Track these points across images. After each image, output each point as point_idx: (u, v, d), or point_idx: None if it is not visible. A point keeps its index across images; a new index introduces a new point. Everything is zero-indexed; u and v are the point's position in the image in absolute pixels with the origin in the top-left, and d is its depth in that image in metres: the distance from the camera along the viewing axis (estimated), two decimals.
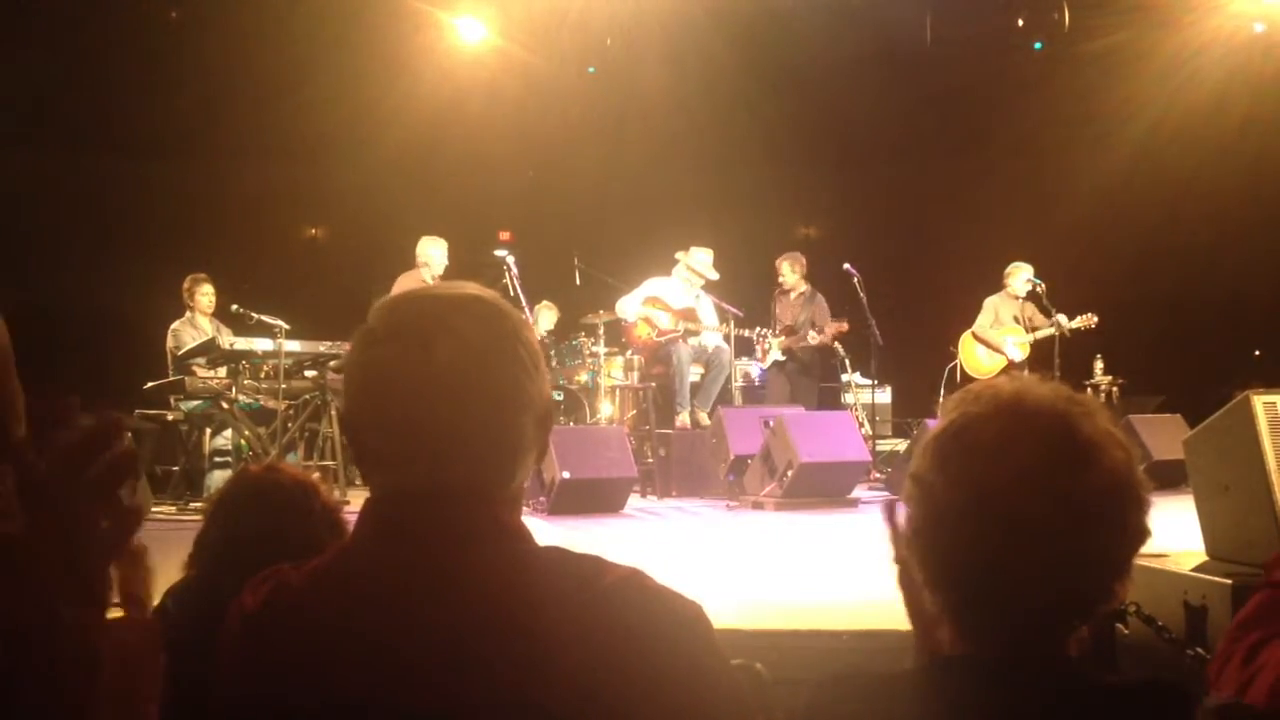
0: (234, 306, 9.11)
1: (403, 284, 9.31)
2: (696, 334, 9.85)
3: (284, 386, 8.54)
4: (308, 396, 8.81)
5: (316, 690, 1.30)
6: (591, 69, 12.00)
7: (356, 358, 1.40)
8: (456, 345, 1.35)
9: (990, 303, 10.69)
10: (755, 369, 11.34)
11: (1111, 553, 1.39)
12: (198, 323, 9.27)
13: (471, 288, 1.48)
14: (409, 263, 9.62)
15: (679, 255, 9.98)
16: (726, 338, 9.93)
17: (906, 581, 1.51)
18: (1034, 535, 1.35)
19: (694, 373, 9.86)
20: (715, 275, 9.98)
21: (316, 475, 2.68)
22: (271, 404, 8.61)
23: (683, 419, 9.52)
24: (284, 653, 1.34)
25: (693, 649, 1.32)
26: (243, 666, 1.37)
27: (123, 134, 12.07)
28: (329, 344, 8.67)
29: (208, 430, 8.73)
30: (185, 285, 9.40)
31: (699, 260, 9.91)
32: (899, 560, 1.52)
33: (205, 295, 9.36)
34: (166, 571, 2.58)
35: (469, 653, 1.27)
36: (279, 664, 1.33)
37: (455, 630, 1.28)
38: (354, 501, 6.66)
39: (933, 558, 1.44)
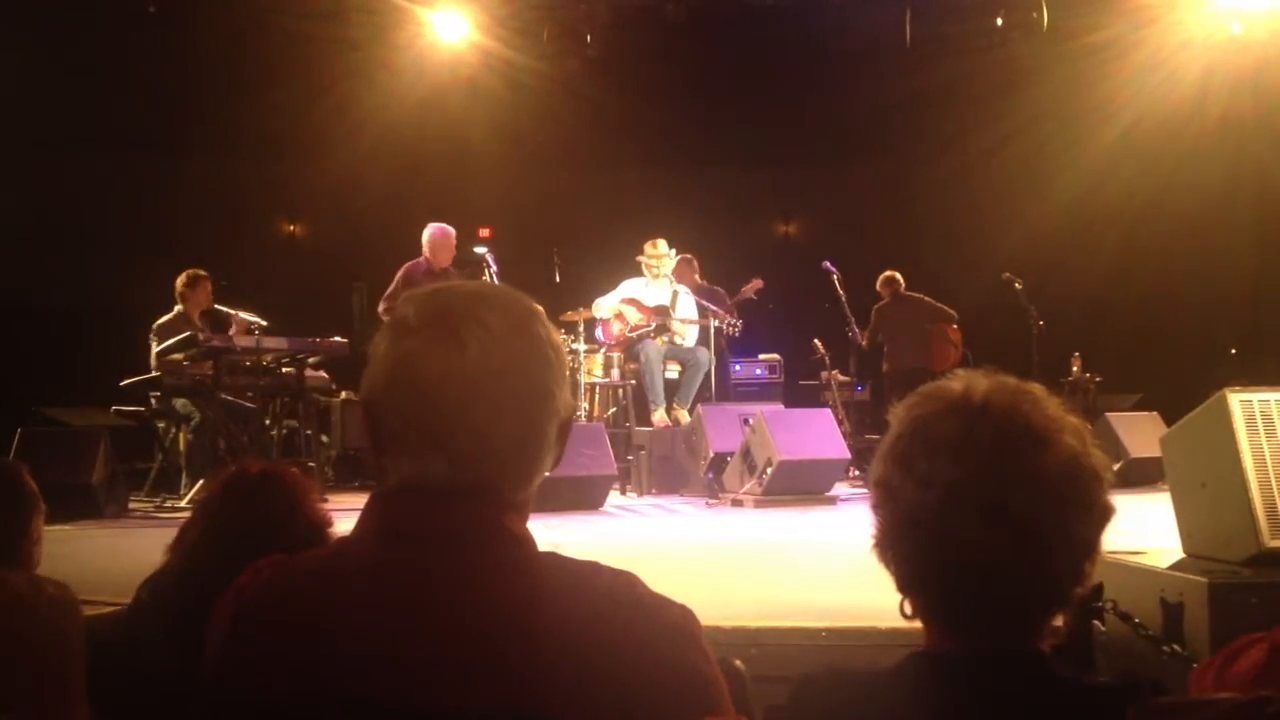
0: (213, 303, 9.05)
1: (405, 271, 9.31)
2: (668, 329, 9.86)
3: (262, 384, 8.51)
4: (288, 396, 8.79)
5: (310, 682, 1.30)
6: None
7: (388, 347, 1.39)
8: (490, 341, 1.36)
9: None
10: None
11: (1079, 532, 1.41)
12: (192, 320, 9.06)
13: (499, 286, 1.49)
14: (394, 259, 9.60)
15: (640, 258, 10.07)
16: (706, 333, 9.93)
17: None
18: (1004, 523, 1.37)
19: (672, 370, 9.87)
20: (671, 257, 10.05)
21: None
22: (249, 401, 8.58)
23: (658, 416, 9.52)
24: (279, 642, 1.33)
25: (686, 650, 1.34)
26: (236, 653, 1.36)
27: (100, 129, 11.99)
28: (307, 340, 8.63)
29: (185, 427, 8.67)
30: (184, 280, 9.05)
31: (651, 251, 10.05)
32: None
33: (207, 293, 9.13)
34: (143, 569, 2.57)
35: (466, 653, 1.28)
36: (273, 653, 1.33)
37: (453, 630, 1.29)
38: (331, 501, 6.65)
39: (907, 561, 1.45)
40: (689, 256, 10.80)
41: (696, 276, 10.72)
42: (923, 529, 1.41)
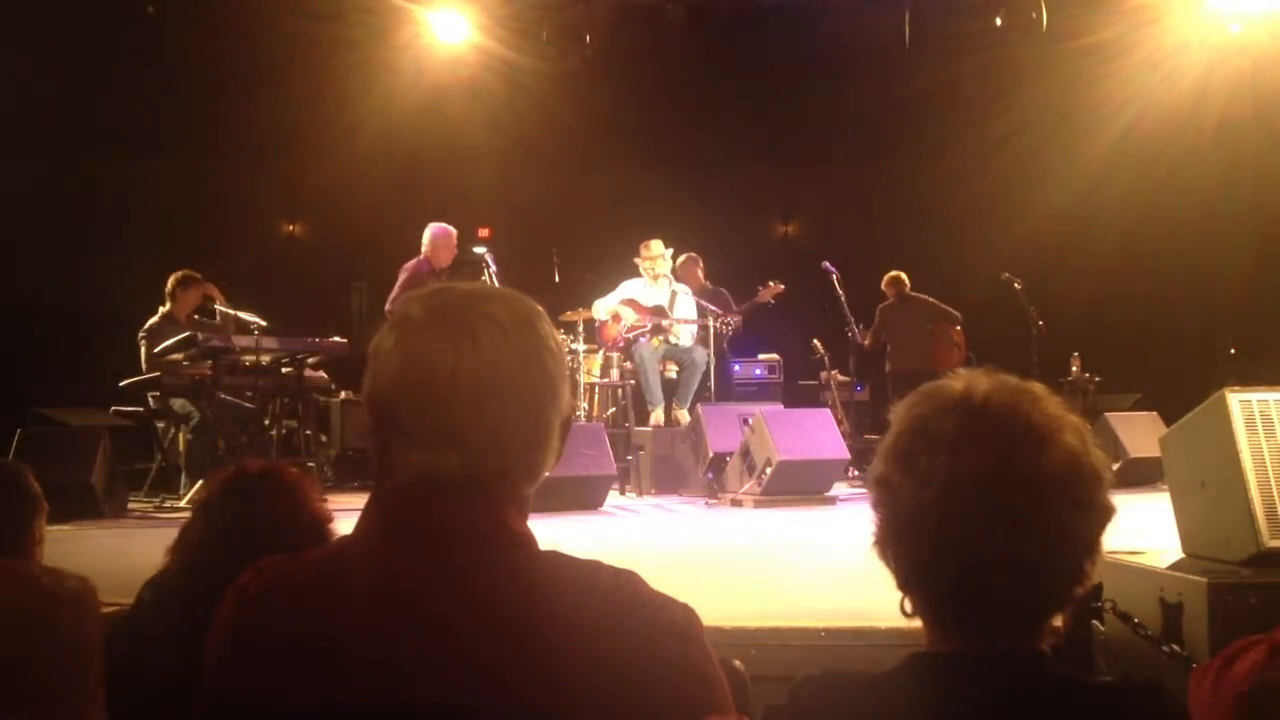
0: (210, 302, 9.02)
1: (410, 272, 9.30)
2: (664, 331, 9.86)
3: (261, 384, 8.50)
4: (287, 397, 8.78)
5: (311, 680, 1.30)
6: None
7: (395, 342, 1.40)
8: (501, 336, 1.38)
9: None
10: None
11: (1079, 531, 1.41)
12: (179, 321, 8.96)
13: (500, 287, 1.52)
14: (394, 258, 9.59)
15: (636, 260, 10.07)
16: (705, 332, 9.93)
17: None
18: (1003, 521, 1.37)
19: (671, 370, 9.88)
20: (666, 258, 10.04)
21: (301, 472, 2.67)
22: (248, 402, 8.57)
23: (656, 416, 9.52)
24: (280, 642, 1.33)
25: (688, 648, 1.34)
26: (237, 654, 1.36)
27: (98, 130, 11.99)
28: (307, 340, 8.62)
29: (184, 427, 8.66)
30: (175, 280, 8.92)
31: (645, 252, 10.05)
32: None
33: (198, 294, 9.04)
34: (143, 570, 2.57)
35: (468, 652, 1.28)
36: (275, 653, 1.33)
37: (454, 628, 1.29)
38: (331, 501, 6.63)
39: (906, 559, 1.45)
40: (695, 255, 10.81)
41: (701, 274, 10.74)
42: (922, 527, 1.41)
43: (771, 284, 10.64)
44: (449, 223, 9.63)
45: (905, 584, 1.47)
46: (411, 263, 9.40)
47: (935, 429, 1.43)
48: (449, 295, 1.44)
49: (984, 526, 1.37)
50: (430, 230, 9.49)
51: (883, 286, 11.09)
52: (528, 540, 1.38)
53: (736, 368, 11.52)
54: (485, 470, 1.37)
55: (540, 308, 1.47)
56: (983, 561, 1.38)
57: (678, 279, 10.34)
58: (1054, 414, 1.43)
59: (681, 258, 10.63)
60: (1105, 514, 1.43)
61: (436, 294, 1.44)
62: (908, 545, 1.44)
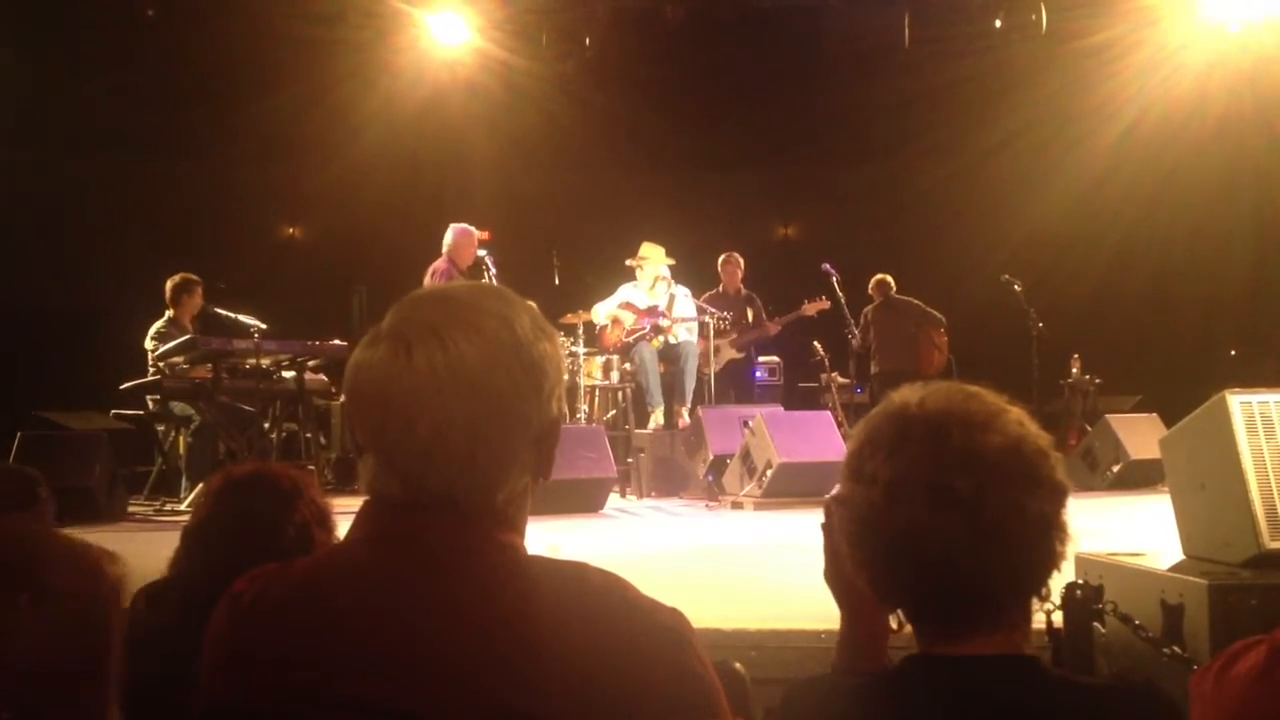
0: (211, 306, 9.01)
1: (437, 274, 9.29)
2: (663, 331, 9.86)
3: (261, 387, 8.49)
4: (287, 400, 8.77)
5: (301, 687, 1.30)
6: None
7: (354, 356, 1.39)
8: (440, 354, 1.32)
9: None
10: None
11: (1031, 509, 1.41)
12: (183, 325, 8.94)
13: (489, 291, 1.46)
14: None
15: (629, 262, 10.08)
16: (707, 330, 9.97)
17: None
18: (949, 505, 1.39)
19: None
20: (657, 260, 10.06)
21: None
22: (248, 405, 8.56)
23: (656, 418, 9.52)
24: (272, 647, 1.33)
25: (680, 653, 1.32)
26: (233, 660, 1.36)
27: (99, 133, 12.00)
28: (306, 344, 8.62)
29: (184, 430, 8.65)
30: (173, 285, 8.95)
31: (640, 253, 10.08)
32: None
33: (198, 297, 9.02)
34: (142, 572, 2.57)
35: (453, 658, 1.27)
36: (266, 658, 1.33)
37: (441, 635, 1.28)
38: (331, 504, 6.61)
39: (870, 564, 1.46)
40: (735, 256, 10.91)
41: (739, 275, 10.85)
42: (877, 528, 1.43)
43: (821, 299, 10.74)
44: (448, 224, 9.62)
45: (880, 594, 1.48)
46: (438, 265, 9.38)
47: (878, 434, 1.46)
48: (417, 305, 1.40)
49: (931, 512, 1.39)
50: (452, 231, 9.49)
51: (869, 289, 11.14)
52: (513, 547, 1.37)
53: (759, 374, 11.59)
54: (425, 492, 1.33)
55: (522, 314, 1.41)
56: (939, 550, 1.39)
57: (717, 279, 10.56)
58: (993, 404, 1.46)
59: (721, 257, 10.77)
60: (1057, 491, 1.44)
61: (409, 303, 1.40)
62: (868, 550, 1.46)
